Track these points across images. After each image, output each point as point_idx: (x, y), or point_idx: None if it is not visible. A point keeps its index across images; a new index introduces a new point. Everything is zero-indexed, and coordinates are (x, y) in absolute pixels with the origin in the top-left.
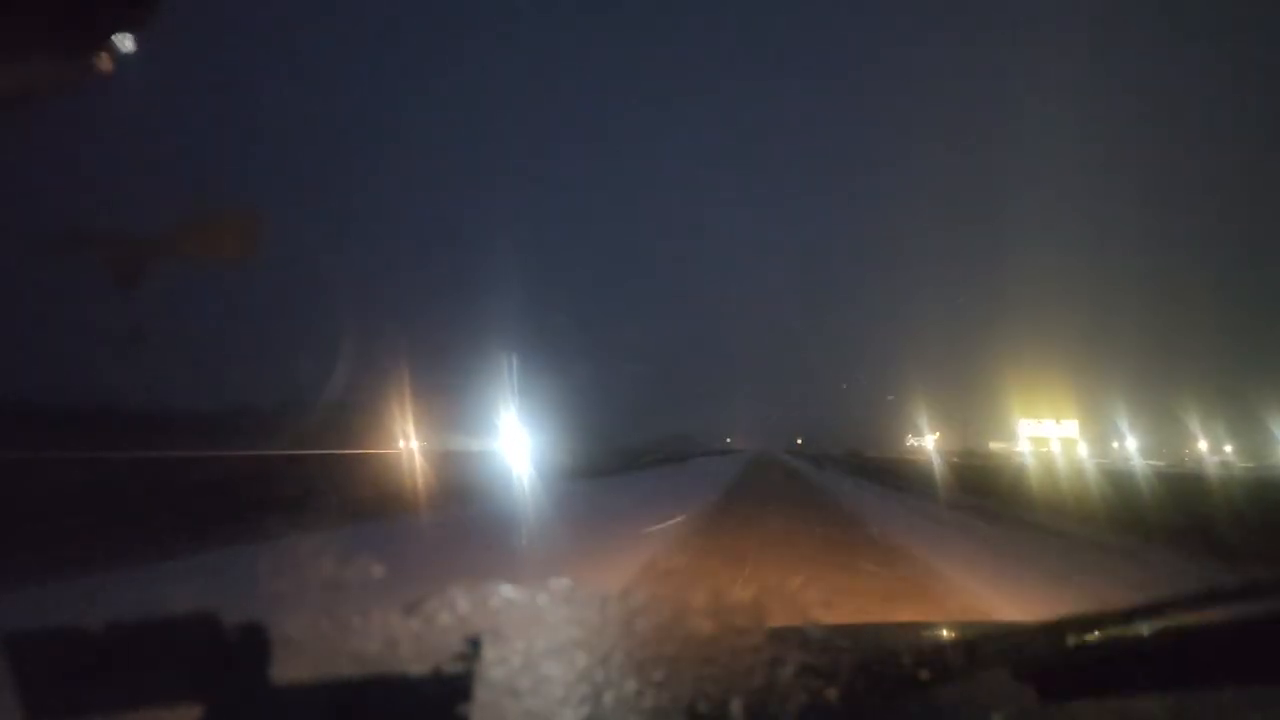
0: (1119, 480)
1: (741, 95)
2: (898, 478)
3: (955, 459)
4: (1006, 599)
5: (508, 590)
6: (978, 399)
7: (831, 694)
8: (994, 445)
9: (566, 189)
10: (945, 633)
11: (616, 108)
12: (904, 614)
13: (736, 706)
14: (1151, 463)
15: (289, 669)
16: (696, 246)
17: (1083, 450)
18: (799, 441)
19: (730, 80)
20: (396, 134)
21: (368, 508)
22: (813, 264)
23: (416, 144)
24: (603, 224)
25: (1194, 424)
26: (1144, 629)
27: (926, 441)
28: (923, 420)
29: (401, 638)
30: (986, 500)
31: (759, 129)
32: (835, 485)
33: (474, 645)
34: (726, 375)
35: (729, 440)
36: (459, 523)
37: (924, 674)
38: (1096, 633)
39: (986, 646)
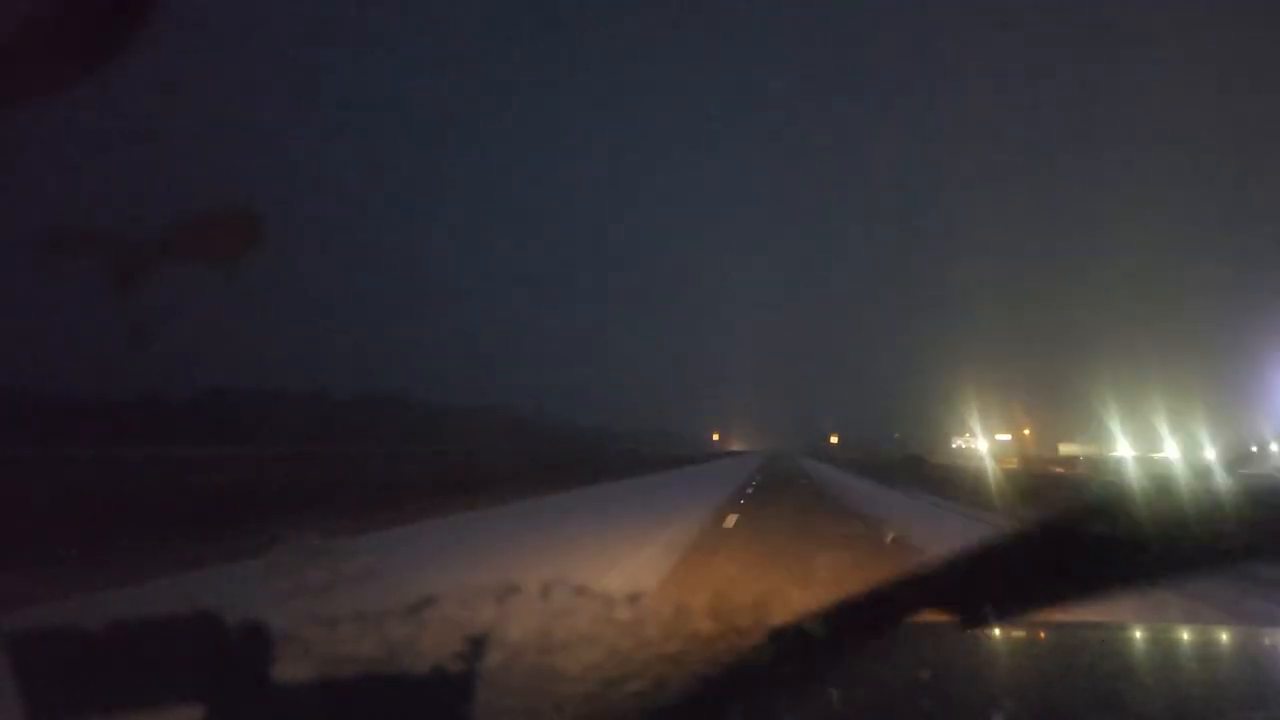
0: None
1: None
2: None
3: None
4: None
5: (509, 588)
6: (1052, 393)
7: (832, 694)
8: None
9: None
10: (944, 633)
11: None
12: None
13: (738, 706)
14: None
15: (289, 669)
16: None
17: None
18: (834, 440)
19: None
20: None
21: None
22: (833, 210)
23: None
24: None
25: None
26: (1138, 634)
27: (979, 444)
28: (974, 416)
29: (401, 637)
30: None
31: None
32: None
33: (474, 645)
34: (726, 353)
35: (716, 439)
36: None
37: (924, 674)
38: (1096, 635)
39: (986, 645)
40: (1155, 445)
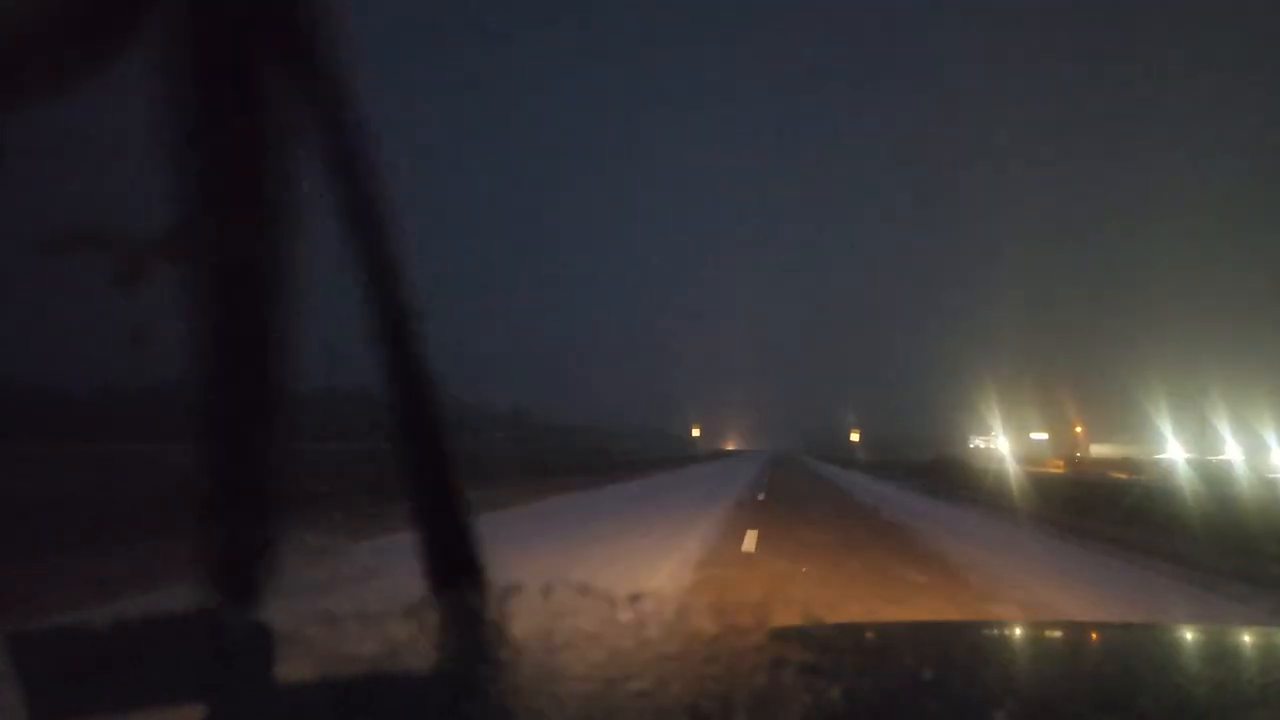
0: None
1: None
2: None
3: None
4: None
5: (510, 589)
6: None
7: (833, 694)
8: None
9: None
10: (945, 633)
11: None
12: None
13: (739, 706)
14: None
15: (289, 669)
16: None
17: None
18: (855, 438)
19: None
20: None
21: None
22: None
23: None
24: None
25: None
26: (1138, 634)
27: (1000, 443)
28: (1002, 412)
29: (403, 637)
30: None
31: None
32: None
33: (475, 644)
34: (727, 342)
35: (697, 434)
36: None
37: (924, 674)
38: (1096, 635)
39: (986, 646)
40: (1212, 447)
